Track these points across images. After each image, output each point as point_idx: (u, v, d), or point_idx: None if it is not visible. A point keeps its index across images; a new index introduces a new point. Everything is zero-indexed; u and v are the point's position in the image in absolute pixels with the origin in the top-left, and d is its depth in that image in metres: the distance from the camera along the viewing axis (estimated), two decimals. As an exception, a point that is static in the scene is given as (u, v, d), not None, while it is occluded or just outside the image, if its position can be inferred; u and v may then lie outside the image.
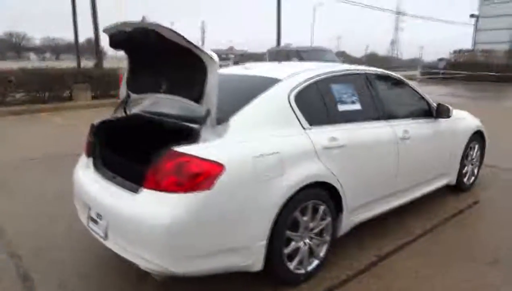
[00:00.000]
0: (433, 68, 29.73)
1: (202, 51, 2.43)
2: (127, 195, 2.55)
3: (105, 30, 2.89)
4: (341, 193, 2.95)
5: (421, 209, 4.18)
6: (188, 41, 2.40)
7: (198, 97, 2.55)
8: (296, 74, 3.09)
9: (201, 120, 2.52)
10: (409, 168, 3.69)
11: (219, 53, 17.72)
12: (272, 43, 21.78)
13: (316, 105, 3.08)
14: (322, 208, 2.87)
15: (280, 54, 16.46)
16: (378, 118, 3.51)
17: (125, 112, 3.40)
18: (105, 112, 3.66)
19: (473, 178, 4.91)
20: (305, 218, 2.77)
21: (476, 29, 33.88)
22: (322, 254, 2.97)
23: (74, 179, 3.16)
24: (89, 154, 3.14)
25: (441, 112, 4.12)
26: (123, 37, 2.75)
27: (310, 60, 14.62)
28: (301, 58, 14.76)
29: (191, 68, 2.56)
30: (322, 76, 3.20)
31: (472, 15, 36.10)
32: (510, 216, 4.09)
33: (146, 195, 2.41)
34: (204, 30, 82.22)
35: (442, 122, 4.17)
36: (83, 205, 2.92)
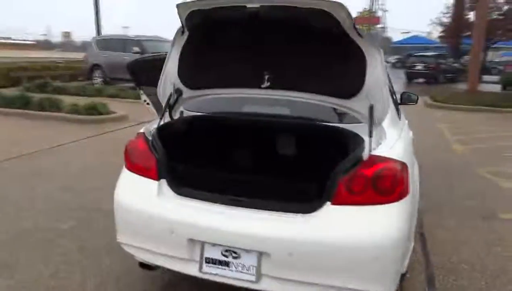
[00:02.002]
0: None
1: (365, 38, 2.09)
2: (293, 218, 2.00)
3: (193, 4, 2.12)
4: None
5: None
6: (355, 27, 2.02)
7: (349, 93, 2.20)
8: None
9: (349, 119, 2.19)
10: None
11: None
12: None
13: None
14: None
15: (113, 43, 14.84)
16: None
17: (170, 114, 2.59)
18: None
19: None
20: None
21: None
22: None
23: (132, 210, 2.25)
24: (157, 175, 2.26)
25: None
26: (213, 15, 2.10)
27: (152, 50, 13.75)
28: (142, 48, 13.73)
29: (339, 59, 2.16)
30: None
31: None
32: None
33: (337, 212, 1.96)
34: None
35: None
36: (179, 244, 2.12)
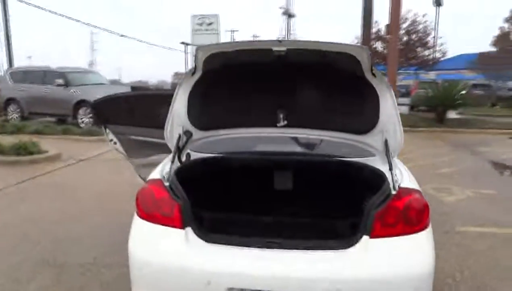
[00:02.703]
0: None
1: (378, 77, 2.27)
2: (332, 255, 2.04)
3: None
4: None
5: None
6: (372, 68, 2.19)
7: (365, 129, 2.34)
8: None
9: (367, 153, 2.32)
10: None
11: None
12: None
13: None
14: None
15: (32, 75, 13.71)
16: None
17: (179, 156, 2.51)
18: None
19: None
20: None
21: (193, 55, 38.81)
22: None
23: (156, 263, 2.11)
24: (182, 223, 2.15)
25: None
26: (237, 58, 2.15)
27: (78, 82, 13.03)
28: (67, 80, 12.92)
29: (356, 97, 2.31)
30: None
31: (182, 42, 40.88)
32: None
33: (375, 245, 2.04)
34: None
35: None
36: None
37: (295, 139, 2.63)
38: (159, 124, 3.79)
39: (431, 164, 7.58)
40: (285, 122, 2.42)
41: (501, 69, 23.35)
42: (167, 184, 2.23)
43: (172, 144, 2.53)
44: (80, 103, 12.54)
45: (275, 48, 2.10)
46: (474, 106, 17.75)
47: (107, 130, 4.10)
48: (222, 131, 2.53)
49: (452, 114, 15.23)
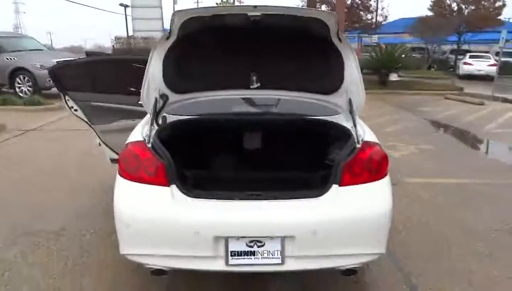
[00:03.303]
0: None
1: (343, 41, 2.46)
2: (307, 203, 2.28)
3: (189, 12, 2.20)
4: None
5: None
6: (338, 33, 2.38)
7: (331, 89, 2.55)
8: None
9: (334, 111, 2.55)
10: None
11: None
12: None
13: None
14: None
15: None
16: None
17: (156, 119, 2.59)
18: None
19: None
20: None
21: (132, 18, 36.74)
22: None
23: (144, 219, 2.24)
24: (167, 181, 2.28)
25: None
26: (207, 22, 2.25)
27: (10, 48, 12.10)
28: (-1, 47, 11.91)
29: (322, 60, 2.50)
30: None
31: (121, 4, 38.59)
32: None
33: (344, 192, 2.30)
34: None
35: None
36: (204, 243, 2.21)
37: (266, 100, 2.79)
38: (122, 90, 3.80)
39: (376, 124, 8.12)
40: (258, 84, 2.56)
41: (436, 33, 24.70)
42: (149, 145, 2.32)
43: (148, 108, 2.58)
44: (17, 71, 11.70)
45: (250, 13, 2.21)
46: (412, 69, 18.84)
47: (67, 97, 4.00)
48: (197, 94, 2.63)
49: (393, 77, 16.12)
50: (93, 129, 4.15)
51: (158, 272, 2.36)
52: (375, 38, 26.72)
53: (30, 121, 8.36)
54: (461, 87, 15.19)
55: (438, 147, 6.83)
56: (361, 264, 2.40)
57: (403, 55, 16.08)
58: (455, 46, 27.84)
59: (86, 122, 4.13)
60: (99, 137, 4.17)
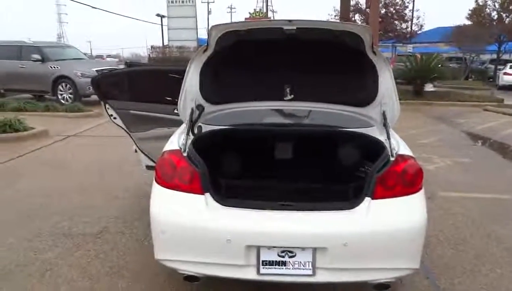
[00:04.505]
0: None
1: (378, 54, 2.48)
2: (339, 215, 2.29)
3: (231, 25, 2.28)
4: None
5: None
6: (373, 46, 2.39)
7: (365, 102, 2.56)
8: None
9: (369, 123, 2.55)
10: None
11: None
12: None
13: None
14: None
15: (5, 51, 13.20)
16: None
17: (192, 128, 2.67)
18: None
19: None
20: None
21: (168, 28, 37.74)
22: None
23: (179, 226, 2.31)
24: (202, 189, 2.35)
25: None
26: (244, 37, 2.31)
27: (55, 57, 12.72)
28: (43, 55, 12.57)
29: (357, 73, 2.52)
30: None
31: (158, 14, 39.83)
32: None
33: (377, 205, 2.29)
34: None
35: None
36: (236, 252, 2.26)
37: (299, 112, 2.83)
38: (159, 99, 3.94)
39: (410, 135, 7.95)
40: (292, 96, 2.61)
41: (474, 42, 23.96)
42: (185, 153, 2.41)
43: (185, 118, 2.68)
44: (59, 79, 12.32)
45: (285, 28, 2.27)
46: (449, 79, 18.31)
47: (107, 106, 4.19)
48: (232, 105, 2.71)
49: (428, 87, 15.72)
50: (130, 136, 4.32)
51: (191, 278, 2.43)
52: (409, 47, 26.22)
53: (70, 127, 8.75)
54: (501, 99, 14.63)
55: (475, 160, 6.61)
56: (394, 278, 2.37)
57: (439, 65, 15.69)
58: (494, 56, 26.88)
59: (124, 130, 4.31)
60: (136, 144, 4.33)
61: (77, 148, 7.20)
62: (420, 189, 2.40)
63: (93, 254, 3.31)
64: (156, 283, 2.90)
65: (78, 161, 6.22)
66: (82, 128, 8.77)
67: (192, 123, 2.65)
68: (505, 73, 20.26)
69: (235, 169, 2.65)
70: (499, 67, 23.62)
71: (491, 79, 24.00)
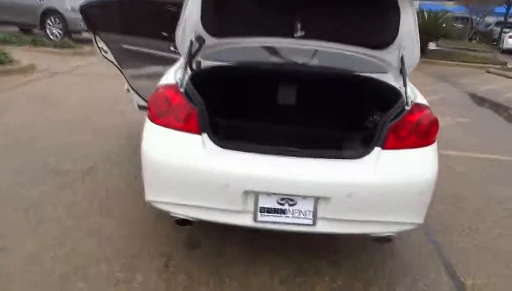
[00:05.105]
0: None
1: None
2: (346, 164, 2.12)
3: None
4: None
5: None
6: None
7: (383, 44, 2.32)
8: None
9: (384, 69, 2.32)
10: None
11: None
12: None
13: None
14: None
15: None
16: None
17: (191, 63, 2.43)
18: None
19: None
20: None
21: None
22: None
23: (173, 166, 2.13)
24: (199, 129, 2.14)
25: None
26: None
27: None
28: None
29: (376, 11, 2.25)
30: None
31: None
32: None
33: (387, 156, 2.12)
34: None
35: None
36: (234, 196, 2.10)
37: (309, 52, 2.57)
38: (154, 34, 3.63)
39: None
40: (303, 32, 2.35)
41: (483, 2, 23.15)
42: (182, 89, 2.18)
43: (183, 51, 2.42)
44: (48, 12, 11.64)
45: None
46: (455, 39, 17.83)
47: (97, 38, 3.87)
48: (235, 40, 2.44)
49: (432, 46, 15.30)
50: (122, 73, 4.05)
51: (183, 222, 2.29)
52: (416, 3, 25.26)
53: (60, 64, 8.36)
54: (504, 62, 14.33)
55: (477, 121, 6.48)
56: (397, 232, 2.27)
57: (444, 24, 15.17)
58: (501, 19, 26.10)
59: (116, 66, 4.02)
60: (128, 82, 4.06)
61: (67, 85, 6.88)
62: (434, 141, 2.23)
63: (81, 193, 3.16)
64: (145, 224, 2.78)
65: (68, 98, 5.94)
66: (72, 65, 8.38)
67: (191, 57, 2.40)
68: (510, 37, 19.78)
69: (236, 111, 2.44)
70: (505, 30, 22.99)
71: (494, 42, 23.49)
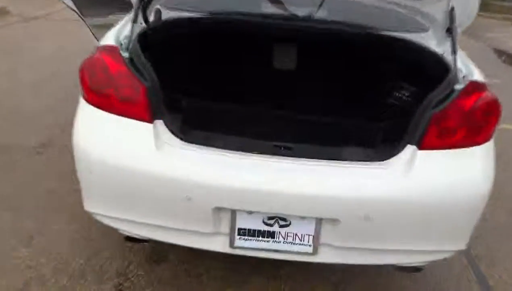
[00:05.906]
0: None
1: None
2: (364, 169, 1.45)
3: None
4: None
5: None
6: None
7: None
8: None
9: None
10: None
11: None
12: None
13: None
14: None
15: None
16: None
17: (144, 13, 1.70)
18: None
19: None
20: None
21: None
22: None
23: (114, 167, 1.46)
24: (150, 114, 1.46)
25: None
26: None
27: None
28: None
29: None
30: None
31: None
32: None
33: (425, 159, 1.44)
34: None
35: None
36: (199, 214, 1.46)
37: (314, 1, 1.80)
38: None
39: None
40: None
41: None
42: (126, 54, 1.47)
43: (133, -6, 1.68)
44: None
45: None
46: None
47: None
48: None
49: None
50: (85, 23, 3.29)
51: (135, 239, 1.68)
52: None
53: (33, 8, 7.52)
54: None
55: (506, 82, 5.66)
56: (429, 262, 1.64)
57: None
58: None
59: (78, 14, 3.27)
60: (92, 34, 3.32)
61: (40, 31, 6.13)
62: (491, 137, 1.53)
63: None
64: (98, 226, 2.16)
65: (38, 48, 5.24)
66: (46, 10, 7.52)
67: (144, 4, 1.66)
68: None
69: (208, 86, 1.71)
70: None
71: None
